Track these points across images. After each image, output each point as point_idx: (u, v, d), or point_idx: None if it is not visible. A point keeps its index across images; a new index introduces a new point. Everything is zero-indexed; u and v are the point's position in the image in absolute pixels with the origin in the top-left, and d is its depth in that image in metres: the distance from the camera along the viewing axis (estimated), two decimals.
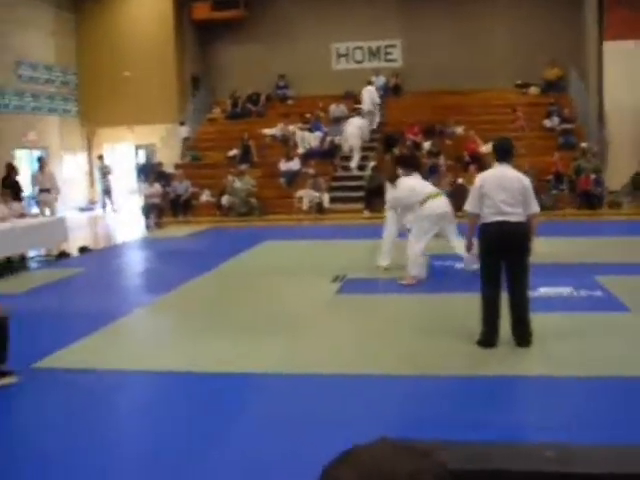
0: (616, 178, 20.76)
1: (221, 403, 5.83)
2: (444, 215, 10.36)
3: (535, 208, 7.02)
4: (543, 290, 9.34)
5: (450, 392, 6.00)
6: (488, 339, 6.95)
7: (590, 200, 19.38)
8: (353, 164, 22.80)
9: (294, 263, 12.54)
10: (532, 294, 9.04)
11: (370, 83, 23.94)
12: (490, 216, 6.93)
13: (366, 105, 23.57)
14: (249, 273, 11.79)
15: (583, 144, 21.07)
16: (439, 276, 10.79)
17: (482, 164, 21.17)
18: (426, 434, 4.97)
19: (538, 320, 7.89)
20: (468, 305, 8.76)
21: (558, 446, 2.70)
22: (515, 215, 6.88)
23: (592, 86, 23.26)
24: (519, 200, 6.91)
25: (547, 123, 22.94)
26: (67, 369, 6.79)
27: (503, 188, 6.90)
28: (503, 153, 7.15)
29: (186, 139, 24.76)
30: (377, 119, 23.96)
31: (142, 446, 5.11)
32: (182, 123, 25.07)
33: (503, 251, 6.90)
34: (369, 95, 23.55)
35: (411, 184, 10.63)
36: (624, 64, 22.73)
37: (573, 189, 19.72)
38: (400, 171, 10.85)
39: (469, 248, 7.43)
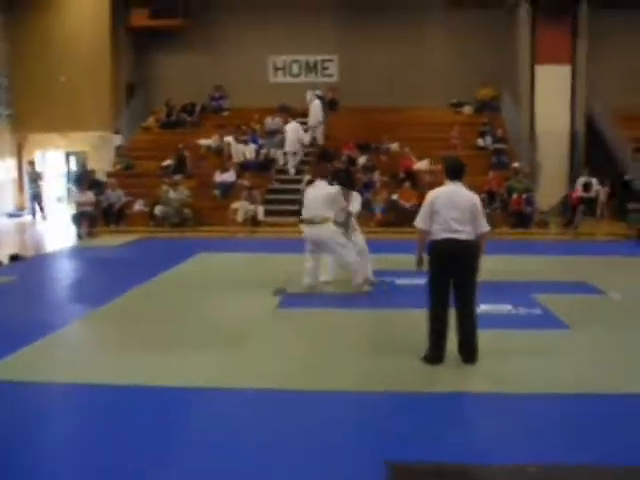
0: (546, 198, 21.21)
1: (159, 416, 5.73)
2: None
3: (485, 227, 7.10)
4: (483, 307, 9.37)
5: (397, 408, 5.98)
6: (434, 355, 6.99)
7: (522, 219, 19.75)
8: (291, 168, 22.91)
9: (232, 276, 12.42)
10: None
11: (320, 97, 23.92)
12: (440, 233, 6.98)
13: (312, 119, 23.59)
14: (186, 285, 11.62)
15: (515, 164, 21.46)
16: (379, 292, 10.81)
17: (416, 181, 21.47)
18: (373, 450, 4.99)
19: (481, 337, 7.97)
20: (411, 321, 8.86)
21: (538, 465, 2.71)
22: (464, 233, 6.95)
23: (524, 107, 23.78)
24: (468, 218, 6.97)
25: (480, 142, 23.32)
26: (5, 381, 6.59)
27: (454, 206, 6.96)
28: (455, 172, 7.21)
29: (119, 147, 24.39)
30: (321, 133, 23.95)
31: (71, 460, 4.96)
32: (117, 132, 24.71)
33: (452, 269, 6.95)
34: (315, 109, 23.57)
35: None
36: (555, 87, 23.32)
37: (505, 208, 20.07)
38: None
39: (419, 263, 7.43)
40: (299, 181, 21.70)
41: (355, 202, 10.96)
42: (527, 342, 7.91)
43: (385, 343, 7.91)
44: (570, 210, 20.61)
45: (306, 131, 23.34)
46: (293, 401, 6.10)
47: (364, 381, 6.60)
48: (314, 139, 23.59)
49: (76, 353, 7.72)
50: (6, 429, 5.49)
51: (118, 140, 24.52)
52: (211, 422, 5.69)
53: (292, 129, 22.89)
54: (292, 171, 22.81)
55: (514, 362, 7.11)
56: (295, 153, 23.01)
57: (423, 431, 5.36)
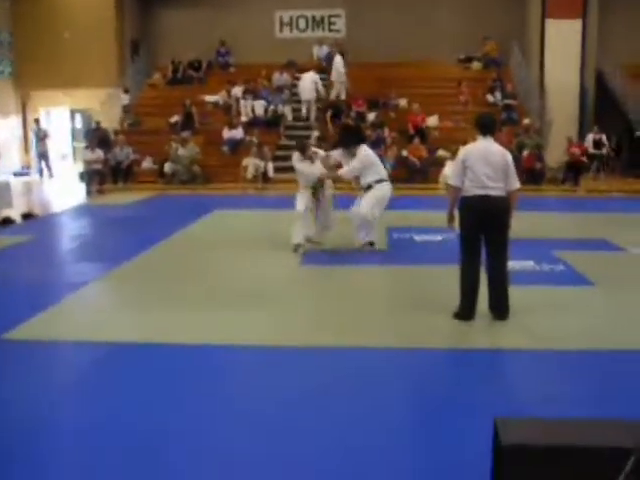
0: (555, 154, 21.11)
1: (200, 375, 5.73)
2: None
3: (516, 184, 7.04)
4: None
5: (440, 364, 6.00)
6: (466, 313, 6.98)
7: (533, 176, 19.67)
8: (312, 118, 23.00)
9: (249, 233, 12.37)
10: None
11: (342, 54, 23.71)
12: (472, 189, 6.92)
13: (335, 75, 23.50)
14: (204, 243, 11.58)
15: (525, 120, 21.35)
16: (400, 248, 10.80)
17: (425, 137, 21.37)
18: (419, 407, 5.02)
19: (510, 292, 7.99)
20: (433, 277, 8.89)
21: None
22: (497, 189, 6.88)
23: (534, 63, 23.59)
24: (501, 175, 6.91)
25: (490, 98, 23.14)
26: (37, 340, 6.59)
27: (487, 162, 6.88)
28: (486, 127, 7.11)
29: (126, 106, 24.20)
30: (344, 89, 23.82)
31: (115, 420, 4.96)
32: (126, 90, 24.49)
33: (484, 225, 6.91)
34: (336, 66, 23.43)
35: (371, 155, 10.58)
36: (565, 42, 23.09)
37: (516, 164, 19.93)
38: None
39: (450, 220, 7.36)
40: (308, 137, 21.58)
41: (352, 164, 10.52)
42: (554, 298, 7.91)
43: (413, 300, 7.90)
44: (567, 167, 20.49)
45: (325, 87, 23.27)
46: (343, 357, 6.10)
47: (403, 337, 6.61)
48: (338, 96, 23.48)
49: (99, 312, 7.68)
50: (36, 389, 5.47)
51: (126, 99, 24.31)
52: (261, 380, 5.68)
53: (308, 78, 22.88)
54: (312, 118, 22.95)
55: (546, 318, 7.10)
56: (310, 101, 23.03)
57: (467, 390, 5.39)
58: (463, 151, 7.17)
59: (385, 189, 10.44)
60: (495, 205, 6.88)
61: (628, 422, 3.16)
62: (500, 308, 7.02)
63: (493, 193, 6.86)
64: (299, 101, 23.75)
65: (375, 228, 10.57)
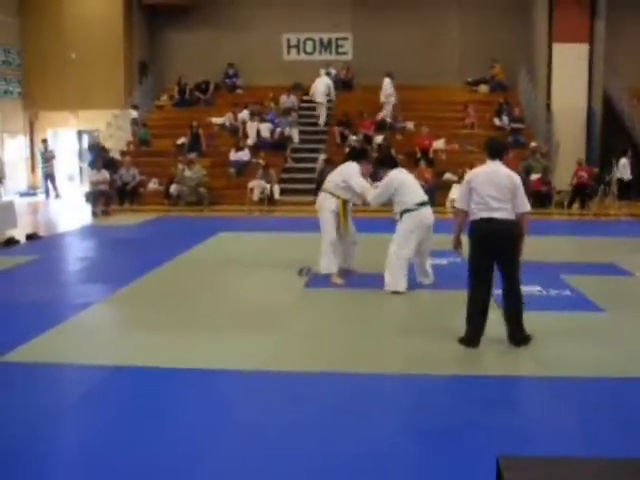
0: (563, 178, 21.03)
1: (201, 400, 5.63)
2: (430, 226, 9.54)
3: (525, 207, 6.95)
4: None
5: (447, 392, 5.89)
6: (472, 339, 6.88)
7: (540, 199, 19.59)
8: (321, 120, 23.92)
9: (254, 256, 12.30)
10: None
11: (328, 74, 24.15)
12: (478, 212, 6.86)
13: (383, 97, 23.91)
14: (209, 265, 11.50)
15: (533, 143, 21.33)
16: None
17: (432, 160, 21.33)
18: (426, 434, 4.90)
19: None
20: (439, 302, 8.78)
21: None
22: (503, 211, 6.80)
23: (541, 86, 23.60)
24: (508, 197, 6.82)
25: (497, 122, 23.13)
26: (36, 362, 6.50)
27: (492, 183, 6.83)
28: (494, 151, 7.08)
29: (134, 120, 24.22)
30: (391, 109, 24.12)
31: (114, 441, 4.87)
32: (135, 107, 24.55)
33: (491, 249, 6.84)
34: (385, 86, 23.84)
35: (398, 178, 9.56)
36: (572, 66, 23.08)
37: (524, 188, 19.85)
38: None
39: (457, 244, 7.30)
40: (314, 159, 21.59)
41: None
42: (563, 324, 7.79)
43: (417, 324, 7.81)
44: (574, 191, 20.42)
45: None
46: (344, 383, 5.99)
47: (410, 363, 6.50)
48: (384, 117, 23.84)
49: (101, 334, 7.60)
50: (34, 413, 5.37)
51: (135, 114, 24.34)
52: (266, 406, 5.59)
53: (321, 82, 23.75)
54: (322, 121, 23.81)
55: (557, 345, 6.97)
56: (322, 104, 23.74)
57: (474, 416, 5.28)
58: (469, 174, 7.19)
59: (417, 218, 9.25)
60: (502, 228, 6.79)
61: (631, 461, 3.05)
62: (513, 336, 6.92)
63: (498, 215, 6.77)
64: (306, 124, 23.81)
65: (404, 271, 9.28)
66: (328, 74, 24.30)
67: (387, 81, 23.64)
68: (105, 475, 4.34)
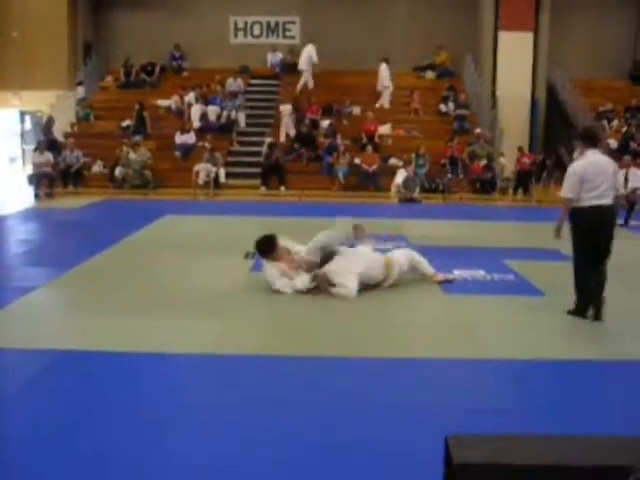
0: (508, 165, 21.29)
1: (149, 384, 5.63)
2: None
3: (622, 189, 8.00)
4: (457, 272, 9.48)
5: (387, 374, 5.96)
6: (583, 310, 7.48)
7: (484, 185, 19.85)
8: (310, 85, 24.18)
9: (200, 239, 12.26)
10: (448, 276, 9.24)
11: (386, 61, 23.78)
12: (591, 200, 7.29)
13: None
14: (155, 248, 11.43)
15: (477, 130, 21.57)
16: None
17: (378, 145, 21.43)
18: (373, 414, 4.97)
19: (461, 302, 8.05)
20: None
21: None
22: (610, 198, 7.36)
23: (486, 74, 23.84)
24: (612, 184, 7.37)
25: (443, 108, 23.32)
26: None
27: (603, 172, 7.33)
28: (595, 139, 7.56)
29: (82, 99, 23.83)
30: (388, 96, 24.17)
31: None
32: (80, 83, 24.13)
33: (599, 233, 7.33)
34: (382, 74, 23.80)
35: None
36: (517, 54, 23.36)
37: (467, 174, 20.13)
38: None
39: (558, 232, 7.71)
40: (260, 143, 21.54)
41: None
42: (504, 308, 7.94)
43: (365, 307, 7.88)
44: (518, 177, 20.68)
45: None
46: (294, 366, 6.04)
47: (349, 347, 6.56)
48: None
49: (45, 319, 7.49)
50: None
51: (81, 92, 23.94)
52: (219, 389, 5.60)
53: (305, 50, 23.88)
54: (310, 85, 24.18)
55: (496, 328, 7.14)
56: (304, 71, 23.95)
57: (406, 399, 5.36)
58: (579, 166, 7.48)
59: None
60: (609, 213, 7.41)
61: (579, 438, 3.15)
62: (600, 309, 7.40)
63: (608, 202, 7.36)
64: (252, 107, 23.72)
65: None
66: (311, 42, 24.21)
67: (384, 67, 23.64)
68: (56, 463, 4.27)
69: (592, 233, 7.31)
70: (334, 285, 8.25)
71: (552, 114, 24.28)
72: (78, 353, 6.28)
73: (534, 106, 24.00)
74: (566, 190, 7.43)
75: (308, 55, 23.72)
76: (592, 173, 7.29)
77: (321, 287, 8.33)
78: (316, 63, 23.79)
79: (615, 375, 6.05)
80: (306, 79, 24.00)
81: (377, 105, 23.71)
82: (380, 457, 4.37)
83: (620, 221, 14.67)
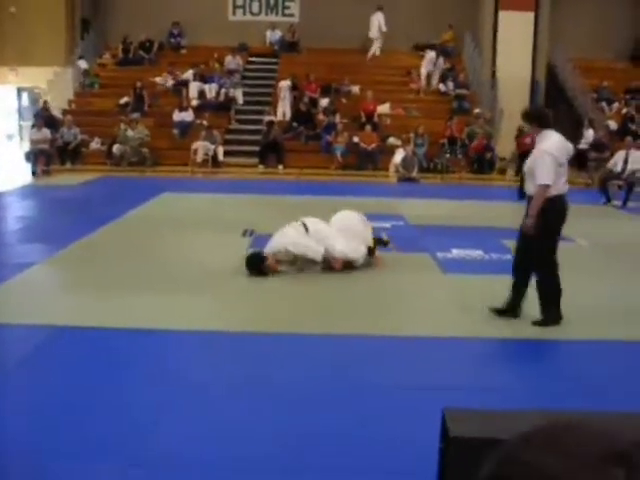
0: (506, 145, 21.24)
1: (145, 360, 5.63)
2: None
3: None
4: (455, 252, 9.48)
5: (378, 352, 5.97)
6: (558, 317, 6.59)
7: (482, 165, 19.81)
8: (373, 51, 24.43)
9: (198, 216, 12.24)
10: (446, 255, 9.25)
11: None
12: (562, 186, 6.32)
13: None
14: (153, 226, 11.43)
15: (476, 110, 21.49)
16: None
17: (377, 124, 21.36)
18: (369, 389, 4.99)
19: (459, 281, 8.06)
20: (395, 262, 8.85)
21: None
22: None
23: (486, 53, 23.70)
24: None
25: (442, 87, 23.23)
26: None
27: (568, 155, 6.44)
28: (547, 119, 6.43)
29: (86, 71, 23.71)
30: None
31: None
32: (81, 57, 23.98)
33: (562, 227, 6.43)
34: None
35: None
36: (517, 34, 23.22)
37: (466, 153, 20.09)
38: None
39: (534, 229, 6.36)
40: (259, 121, 21.47)
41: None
42: (501, 287, 7.92)
43: (355, 284, 7.88)
44: (520, 158, 20.53)
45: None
46: (279, 343, 6.04)
47: (338, 325, 6.57)
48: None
49: (43, 295, 7.53)
50: None
51: (83, 64, 23.80)
52: (220, 367, 5.60)
53: (374, 18, 23.93)
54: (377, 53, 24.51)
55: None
56: (374, 40, 24.30)
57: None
58: (551, 147, 6.31)
59: None
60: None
61: (577, 413, 3.15)
62: None
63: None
64: (250, 85, 23.62)
65: None
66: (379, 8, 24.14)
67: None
68: (54, 442, 4.24)
69: (561, 226, 6.37)
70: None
71: (552, 94, 24.18)
72: (73, 330, 6.27)
73: (534, 86, 23.89)
74: (545, 176, 6.15)
75: (377, 23, 23.72)
76: (564, 155, 6.31)
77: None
78: (384, 31, 23.95)
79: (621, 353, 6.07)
80: (375, 49, 24.18)
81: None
82: (376, 435, 4.38)
83: (618, 202, 14.80)
